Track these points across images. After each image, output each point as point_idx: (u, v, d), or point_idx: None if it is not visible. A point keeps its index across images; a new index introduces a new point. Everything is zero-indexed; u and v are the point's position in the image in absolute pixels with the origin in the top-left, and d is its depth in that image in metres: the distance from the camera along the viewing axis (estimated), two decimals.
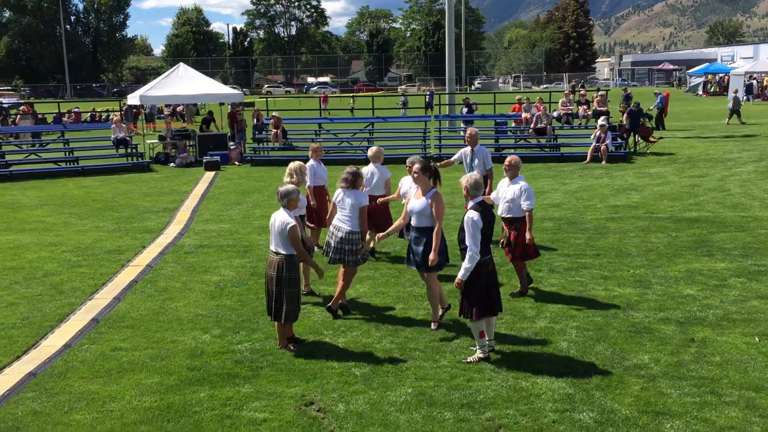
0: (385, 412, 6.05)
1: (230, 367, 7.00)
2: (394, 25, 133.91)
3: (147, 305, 8.95)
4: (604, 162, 21.68)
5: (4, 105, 39.98)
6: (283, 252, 7.21)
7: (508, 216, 9.24)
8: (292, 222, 7.10)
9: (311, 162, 11.23)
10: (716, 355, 7.18)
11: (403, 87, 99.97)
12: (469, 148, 11.75)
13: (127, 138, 23.80)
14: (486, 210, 7.08)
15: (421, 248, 7.88)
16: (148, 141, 26.05)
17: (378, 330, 7.99)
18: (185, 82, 24.36)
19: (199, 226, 13.67)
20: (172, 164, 23.45)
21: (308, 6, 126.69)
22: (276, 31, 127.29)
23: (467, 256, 6.94)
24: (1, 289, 9.71)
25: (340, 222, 8.44)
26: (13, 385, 6.62)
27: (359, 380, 6.68)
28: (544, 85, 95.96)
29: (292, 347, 7.45)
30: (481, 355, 7.16)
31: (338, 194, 8.50)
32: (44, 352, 7.45)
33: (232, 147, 24.53)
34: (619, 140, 23.66)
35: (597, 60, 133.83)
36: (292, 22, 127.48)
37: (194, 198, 16.94)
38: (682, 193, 16.19)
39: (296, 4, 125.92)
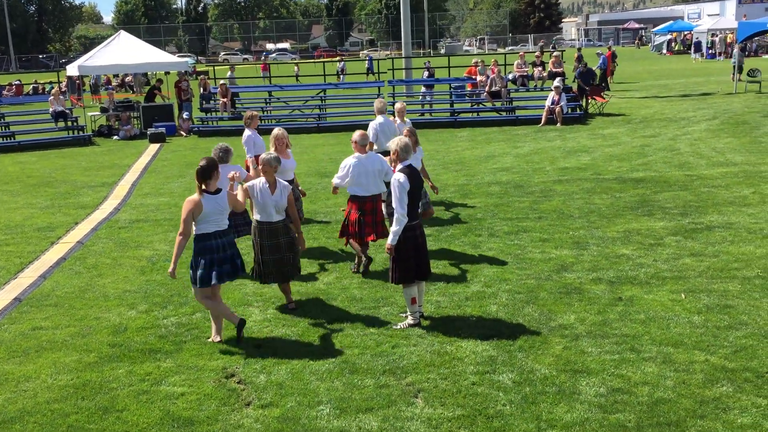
0: (305, 381, 5.99)
1: (153, 343, 6.87)
2: None
3: (73, 282, 8.73)
4: (559, 124, 21.72)
5: None
6: (284, 218, 7.39)
7: None
8: (289, 186, 7.39)
9: (248, 132, 10.99)
10: (641, 312, 7.26)
11: (364, 52, 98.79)
12: (398, 121, 11.50)
13: (66, 111, 23.14)
14: (413, 173, 7.00)
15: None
16: (90, 113, 25.39)
17: (309, 300, 7.91)
18: (127, 51, 23.71)
19: (137, 201, 13.38)
20: (115, 137, 22.92)
21: None
22: None
23: (394, 219, 6.87)
24: None
25: None
26: None
27: (284, 351, 6.61)
28: (510, 47, 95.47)
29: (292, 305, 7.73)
30: (412, 322, 7.13)
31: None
32: None
33: (185, 117, 23.99)
34: (574, 102, 23.69)
35: (563, 20, 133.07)
36: None
37: (135, 172, 16.58)
38: (631, 153, 16.31)
39: None
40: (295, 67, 42.68)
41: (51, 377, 6.20)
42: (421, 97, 27.02)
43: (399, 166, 6.98)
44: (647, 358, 6.23)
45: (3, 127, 22.77)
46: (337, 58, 45.84)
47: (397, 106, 11.71)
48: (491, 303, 7.66)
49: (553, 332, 6.85)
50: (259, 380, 6.04)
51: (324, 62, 34.33)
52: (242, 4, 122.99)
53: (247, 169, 10.73)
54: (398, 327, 7.10)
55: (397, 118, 11.49)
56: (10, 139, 22.04)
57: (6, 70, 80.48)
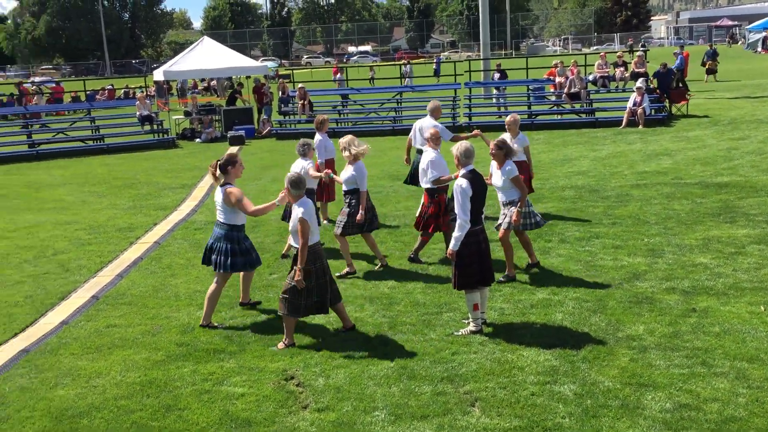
0: (363, 385, 6.01)
1: (218, 343, 7.03)
2: None
3: (148, 282, 9.04)
4: (640, 126, 21.06)
5: (37, 83, 40.72)
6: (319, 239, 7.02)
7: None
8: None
9: (319, 137, 11.13)
10: (716, 325, 6.95)
11: (445, 53, 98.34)
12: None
13: (152, 115, 24.01)
14: (476, 178, 6.93)
15: None
16: (174, 117, 26.27)
17: (372, 304, 7.94)
18: (210, 56, 24.41)
19: (213, 202, 13.73)
20: (197, 140, 23.63)
21: None
22: None
23: (456, 225, 6.82)
24: (11, 267, 9.92)
25: None
26: (5, 362, 6.77)
27: (344, 354, 6.65)
28: (595, 47, 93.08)
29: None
30: (474, 328, 7.04)
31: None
32: (41, 329, 7.59)
33: (264, 119, 24.60)
34: (657, 103, 22.90)
35: (652, 18, 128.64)
36: None
37: None
38: (717, 157, 15.66)
39: None
40: (370, 71, 42.76)
41: (120, 374, 6.43)
42: (494, 99, 26.72)
43: (462, 171, 6.92)
44: (719, 373, 5.95)
45: (93, 130, 23.83)
46: (403, 61, 45.52)
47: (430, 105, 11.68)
48: (557, 311, 7.48)
49: (620, 343, 6.63)
50: (318, 383, 6.09)
51: (400, 65, 34.34)
52: (325, 8, 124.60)
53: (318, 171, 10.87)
54: (460, 333, 7.03)
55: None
56: (100, 141, 23.03)
57: (101, 75, 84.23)
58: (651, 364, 6.18)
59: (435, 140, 9.02)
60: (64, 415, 5.74)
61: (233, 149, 8.16)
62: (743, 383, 5.74)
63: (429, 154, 9.02)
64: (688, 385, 5.76)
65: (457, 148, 6.99)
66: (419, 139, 10.93)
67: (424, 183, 9.09)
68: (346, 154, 8.78)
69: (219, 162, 7.43)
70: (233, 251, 7.31)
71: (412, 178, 11.08)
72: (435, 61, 47.45)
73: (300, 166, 9.23)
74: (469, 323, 7.13)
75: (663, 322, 7.07)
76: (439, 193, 9.00)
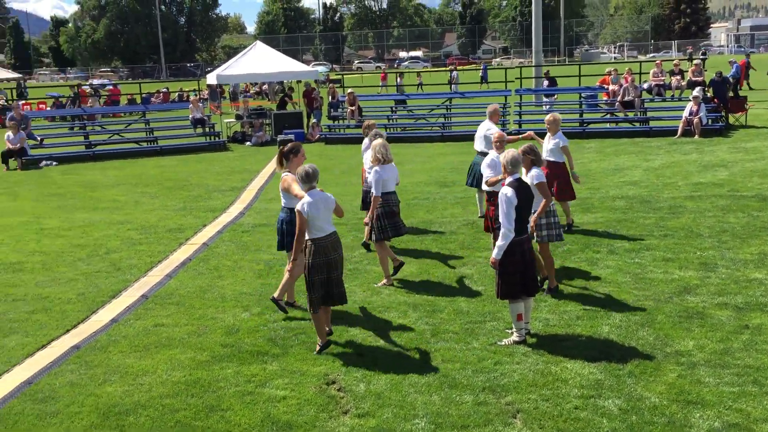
0: (404, 393, 5.99)
1: (262, 345, 7.10)
2: None
3: (196, 283, 9.18)
4: (696, 136, 20.59)
5: (95, 86, 41.82)
6: (333, 229, 6.93)
7: None
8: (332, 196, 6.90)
9: (367, 141, 11.15)
10: None
11: (497, 60, 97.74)
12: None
13: (205, 118, 24.43)
14: (523, 187, 6.87)
15: None
16: (226, 120, 26.67)
17: (415, 311, 7.92)
18: (262, 61, 24.74)
19: (261, 205, 13.92)
20: (248, 143, 23.95)
21: None
22: (367, 4, 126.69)
23: (500, 234, 6.77)
24: (65, 265, 10.19)
25: None
26: (56, 358, 6.95)
27: (386, 361, 6.65)
28: (651, 54, 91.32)
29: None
30: (517, 339, 6.97)
31: None
32: (92, 326, 7.78)
33: (314, 123, 24.87)
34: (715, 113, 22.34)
35: (711, 25, 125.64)
36: None
37: (263, 177, 17.25)
38: None
39: None
40: (417, 77, 42.64)
41: (166, 373, 6.55)
42: (544, 107, 26.44)
43: (508, 180, 6.87)
44: None
45: (147, 132, 24.36)
46: (449, 67, 45.23)
47: (489, 108, 11.71)
48: (603, 324, 7.36)
49: (668, 359, 6.48)
50: (359, 389, 6.10)
51: (449, 71, 34.27)
52: (377, 13, 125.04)
53: (364, 177, 10.92)
54: (503, 343, 6.96)
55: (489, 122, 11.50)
56: (154, 143, 23.53)
57: (157, 78, 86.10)
58: (700, 381, 6.03)
59: (500, 143, 9.04)
60: (111, 411, 5.87)
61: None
62: None
63: (489, 156, 9.14)
64: (738, 404, 5.60)
65: (505, 156, 6.94)
66: (481, 142, 11.39)
67: (485, 186, 9.16)
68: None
69: (283, 149, 7.77)
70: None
71: (475, 180, 11.19)
72: (482, 67, 47.16)
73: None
74: (512, 333, 7.06)
75: (713, 338, 6.89)
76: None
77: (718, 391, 5.83)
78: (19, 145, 20.38)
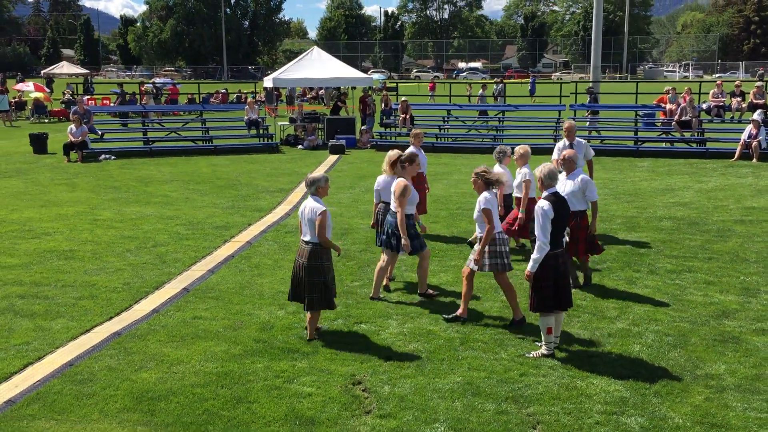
0: (427, 397, 6.08)
1: (293, 343, 7.28)
2: (554, 8, 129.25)
3: (236, 279, 9.44)
4: (754, 160, 20.16)
5: (158, 85, 42.95)
6: (313, 240, 7.20)
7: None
8: (322, 208, 7.11)
9: (412, 149, 11.27)
10: None
11: (557, 74, 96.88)
12: (565, 142, 11.22)
13: (259, 120, 24.91)
14: (559, 201, 6.90)
15: None
16: (279, 123, 27.13)
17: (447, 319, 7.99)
18: (317, 66, 25.11)
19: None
20: (300, 146, 24.32)
21: None
22: (428, 14, 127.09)
23: (536, 247, 6.81)
24: (114, 255, 10.57)
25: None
26: (98, 342, 7.25)
27: (412, 365, 6.75)
28: (718, 74, 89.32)
29: (316, 337, 7.43)
30: (545, 352, 6.99)
31: None
32: (134, 315, 8.08)
33: (364, 129, 25.15)
34: None
35: None
36: (446, 5, 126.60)
37: None
38: None
39: None
40: (468, 87, 42.48)
41: (200, 363, 6.77)
42: (587, 123, 26.13)
43: (544, 193, 6.91)
44: None
45: (203, 131, 24.96)
46: (494, 80, 44.78)
47: (565, 125, 11.47)
48: (635, 342, 7.32)
49: (697, 381, 6.42)
50: (383, 390, 6.21)
51: (505, 83, 34.19)
52: (438, 23, 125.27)
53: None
54: (531, 355, 6.99)
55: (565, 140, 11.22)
56: (209, 142, 24.09)
57: (218, 78, 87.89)
58: (727, 405, 5.96)
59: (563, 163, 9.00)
60: (144, 396, 6.11)
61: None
62: None
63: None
64: (764, 430, 5.53)
65: (541, 170, 6.98)
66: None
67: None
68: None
69: (400, 156, 8.41)
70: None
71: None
72: (530, 80, 46.82)
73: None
74: (541, 346, 7.08)
75: (747, 364, 6.79)
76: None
77: (745, 416, 5.77)
78: (80, 138, 21.12)
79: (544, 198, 6.87)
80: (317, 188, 7.28)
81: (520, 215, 10.14)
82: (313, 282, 7.21)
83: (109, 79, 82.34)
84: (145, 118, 26.44)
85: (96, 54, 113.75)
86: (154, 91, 38.56)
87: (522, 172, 10.20)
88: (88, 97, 36.55)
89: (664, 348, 7.18)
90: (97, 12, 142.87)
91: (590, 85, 29.19)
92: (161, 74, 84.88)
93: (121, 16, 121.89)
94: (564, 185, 8.71)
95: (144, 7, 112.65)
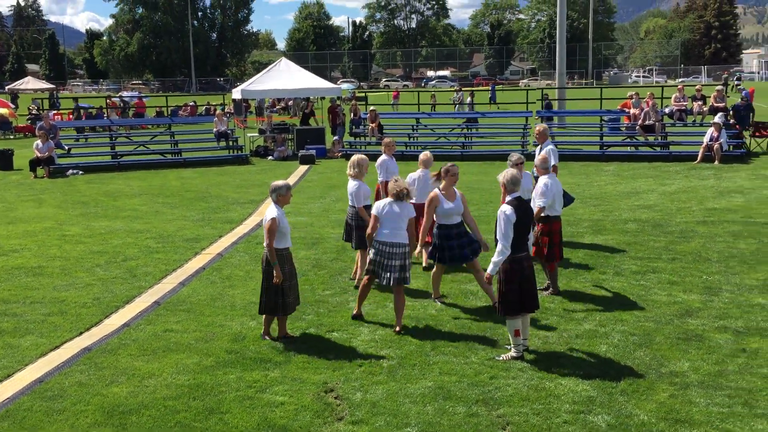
0: (399, 402, 6.16)
1: (265, 353, 7.31)
2: (519, 16, 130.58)
3: (207, 291, 9.44)
4: (716, 162, 20.58)
5: (125, 99, 42.65)
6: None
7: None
8: (273, 215, 7.34)
9: (384, 157, 11.39)
10: (765, 366, 6.82)
11: (524, 81, 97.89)
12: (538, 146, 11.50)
13: (228, 131, 24.87)
14: (522, 206, 7.03)
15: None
16: (249, 134, 27.10)
17: (418, 325, 8.08)
18: (285, 77, 25.15)
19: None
20: (270, 157, 24.31)
21: None
22: (396, 24, 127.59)
23: (497, 251, 6.94)
24: (84, 270, 10.51)
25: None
26: (68, 358, 7.22)
27: (384, 371, 6.82)
28: (681, 79, 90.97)
29: (268, 338, 7.66)
30: (514, 354, 7.11)
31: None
32: (104, 329, 8.05)
33: (336, 140, 25.23)
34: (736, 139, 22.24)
35: (744, 51, 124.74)
36: (413, 15, 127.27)
37: None
38: None
39: None
40: (431, 97, 42.75)
41: (171, 376, 6.78)
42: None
43: (508, 198, 7.04)
44: (760, 414, 5.85)
45: (172, 144, 24.85)
46: (455, 88, 45.15)
47: (537, 128, 11.65)
48: (602, 343, 7.47)
49: (662, 378, 6.58)
50: (355, 397, 6.28)
51: (472, 90, 34.51)
52: (406, 32, 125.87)
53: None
54: (500, 359, 7.10)
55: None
56: (178, 155, 23.98)
57: (187, 91, 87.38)
58: (691, 401, 6.12)
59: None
60: (116, 410, 6.10)
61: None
62: None
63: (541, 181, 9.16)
64: (726, 425, 5.69)
65: (504, 175, 7.12)
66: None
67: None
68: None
69: (442, 168, 8.52)
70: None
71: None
72: (490, 87, 47.32)
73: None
74: (510, 349, 7.20)
75: (709, 361, 6.97)
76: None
77: (708, 411, 5.93)
78: (47, 153, 20.91)
79: (507, 203, 6.99)
80: (278, 196, 7.49)
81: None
82: (265, 287, 7.53)
83: (76, 94, 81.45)
84: (112, 132, 26.25)
85: (62, 69, 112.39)
86: (122, 104, 38.28)
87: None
88: (54, 112, 36.17)
89: (629, 347, 7.34)
90: (62, 26, 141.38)
91: (545, 92, 29.63)
92: (128, 88, 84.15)
93: (86, 30, 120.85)
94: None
95: (110, 21, 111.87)
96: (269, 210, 7.46)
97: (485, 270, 7.40)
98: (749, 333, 7.69)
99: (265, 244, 7.41)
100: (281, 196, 7.48)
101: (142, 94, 54.53)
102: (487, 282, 7.10)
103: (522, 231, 6.98)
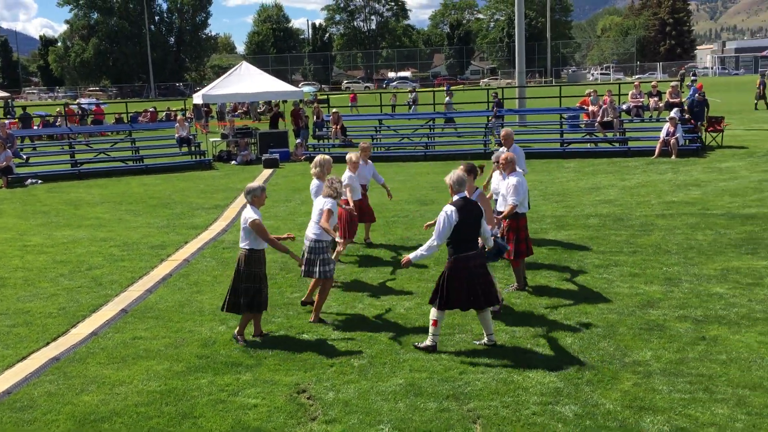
0: (371, 401, 6.24)
1: (236, 356, 7.33)
2: (479, 16, 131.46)
3: (175, 297, 9.41)
4: (673, 156, 21.05)
5: (83, 106, 42.01)
6: (245, 247, 7.58)
7: (500, 210, 9.24)
8: (254, 217, 7.46)
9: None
10: (723, 353, 7.05)
11: (485, 80, 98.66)
12: (503, 149, 11.37)
13: (190, 137, 24.70)
14: (468, 206, 7.12)
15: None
16: (212, 139, 26.95)
17: (387, 324, 8.18)
18: (246, 80, 25.08)
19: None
20: (233, 162, 24.21)
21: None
22: (356, 25, 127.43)
23: (426, 244, 7.16)
24: (48, 281, 10.39)
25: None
26: (36, 369, 7.15)
27: (355, 371, 6.90)
28: (637, 75, 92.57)
29: (240, 339, 7.73)
30: (429, 343, 7.30)
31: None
32: (71, 339, 7.98)
33: (299, 142, 25.20)
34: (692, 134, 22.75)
35: (698, 47, 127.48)
36: (372, 17, 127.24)
37: None
38: (747, 188, 15.63)
39: None
40: (392, 97, 42.89)
41: (142, 383, 6.76)
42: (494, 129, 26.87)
43: (454, 198, 7.16)
44: (720, 399, 6.06)
45: (133, 151, 24.59)
46: (409, 89, 45.40)
47: (502, 132, 11.69)
48: (567, 336, 7.64)
49: (626, 368, 6.77)
50: (328, 397, 6.34)
51: (434, 91, 34.76)
52: (366, 33, 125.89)
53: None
54: (419, 345, 7.31)
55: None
56: (139, 162, 23.74)
57: (146, 97, 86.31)
58: (654, 388, 6.31)
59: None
60: (87, 419, 6.08)
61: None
62: (743, 410, 5.85)
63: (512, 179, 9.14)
64: (688, 410, 5.88)
65: (450, 176, 7.24)
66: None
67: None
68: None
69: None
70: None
71: None
72: (445, 89, 47.70)
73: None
74: (428, 338, 7.33)
75: (671, 349, 7.18)
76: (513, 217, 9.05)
77: (670, 398, 6.12)
78: (4, 163, 20.55)
79: (452, 203, 7.12)
80: (253, 197, 7.60)
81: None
82: (245, 288, 7.56)
83: (31, 102, 79.93)
84: (71, 139, 25.87)
85: (16, 76, 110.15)
86: (80, 112, 37.69)
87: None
88: (10, 121, 35.46)
89: (594, 339, 7.53)
90: (15, 33, 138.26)
91: (495, 92, 30.01)
92: (86, 94, 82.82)
93: (40, 37, 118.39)
94: (499, 185, 9.27)
95: (65, 27, 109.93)
96: (247, 212, 7.55)
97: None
98: (708, 321, 7.93)
99: (267, 242, 7.56)
100: (256, 198, 7.63)
101: (100, 101, 53.68)
102: (404, 265, 7.26)
103: (467, 231, 7.08)
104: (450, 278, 7.09)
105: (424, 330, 7.90)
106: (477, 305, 7.21)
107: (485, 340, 7.42)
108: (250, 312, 7.67)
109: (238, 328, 7.80)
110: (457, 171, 7.31)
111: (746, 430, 5.52)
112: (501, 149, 11.35)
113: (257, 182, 7.94)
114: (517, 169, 9.40)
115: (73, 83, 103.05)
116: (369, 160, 12.06)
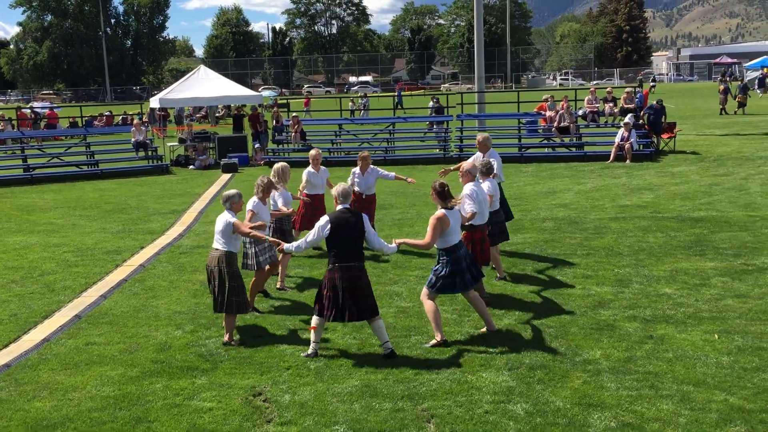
0: (326, 402, 6.29)
1: (192, 361, 7.32)
2: (439, 21, 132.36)
3: (130, 303, 9.33)
4: (628, 161, 21.50)
5: (36, 110, 41.25)
6: (223, 248, 7.78)
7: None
8: (233, 219, 7.75)
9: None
10: (669, 351, 7.26)
11: (446, 85, 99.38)
12: (479, 155, 11.13)
13: (147, 141, 24.44)
14: (343, 218, 7.16)
15: None
16: (169, 144, 26.69)
17: (344, 327, 8.22)
18: (205, 84, 24.91)
19: (201, 228, 14.07)
20: (191, 167, 24.02)
21: (350, 4, 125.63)
22: (317, 29, 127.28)
23: (296, 244, 7.47)
24: None
25: None
26: None
27: (311, 373, 6.94)
28: (595, 81, 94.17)
29: (233, 342, 7.80)
30: (309, 352, 7.35)
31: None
32: (23, 345, 7.88)
33: (257, 147, 25.11)
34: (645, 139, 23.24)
35: (654, 54, 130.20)
36: (333, 21, 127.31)
37: (204, 200, 17.40)
38: (697, 192, 16.04)
39: (337, 1, 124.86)
40: (351, 103, 42.99)
41: (96, 388, 6.71)
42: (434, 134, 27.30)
43: (337, 207, 7.30)
44: (665, 395, 6.25)
45: (88, 156, 24.22)
46: (359, 94, 45.86)
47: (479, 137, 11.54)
48: (520, 336, 7.79)
49: (576, 366, 6.94)
50: (284, 399, 6.38)
51: (393, 96, 34.90)
52: (327, 38, 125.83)
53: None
54: (304, 356, 7.32)
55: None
56: (94, 167, 23.40)
57: (102, 101, 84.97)
58: (602, 386, 6.48)
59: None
60: (39, 425, 6.02)
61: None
62: (686, 405, 6.04)
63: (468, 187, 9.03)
64: (634, 406, 6.06)
65: (336, 189, 7.35)
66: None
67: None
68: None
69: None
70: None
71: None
72: (397, 92, 48.28)
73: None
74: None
75: (620, 348, 7.38)
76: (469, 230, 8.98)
77: (618, 395, 6.29)
78: None
79: (329, 214, 7.27)
80: (231, 204, 7.91)
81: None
82: (231, 286, 7.72)
83: None
84: (23, 144, 25.40)
85: None
86: (33, 116, 36.98)
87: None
88: None
89: (546, 339, 7.69)
90: None
91: (436, 97, 30.47)
92: (39, 98, 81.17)
93: None
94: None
95: (17, 29, 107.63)
96: (225, 215, 7.84)
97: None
98: (656, 321, 8.16)
99: (247, 236, 8.00)
100: (234, 204, 7.93)
101: (54, 105, 52.73)
102: (278, 249, 7.62)
103: (347, 242, 7.13)
104: (324, 285, 7.23)
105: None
106: (351, 317, 7.21)
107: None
108: (238, 313, 7.88)
109: (226, 336, 7.79)
110: (343, 184, 7.48)
111: (689, 425, 5.71)
112: (477, 155, 11.20)
113: (234, 189, 8.16)
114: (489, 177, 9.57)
115: (25, 86, 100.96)
116: (372, 166, 12.13)
